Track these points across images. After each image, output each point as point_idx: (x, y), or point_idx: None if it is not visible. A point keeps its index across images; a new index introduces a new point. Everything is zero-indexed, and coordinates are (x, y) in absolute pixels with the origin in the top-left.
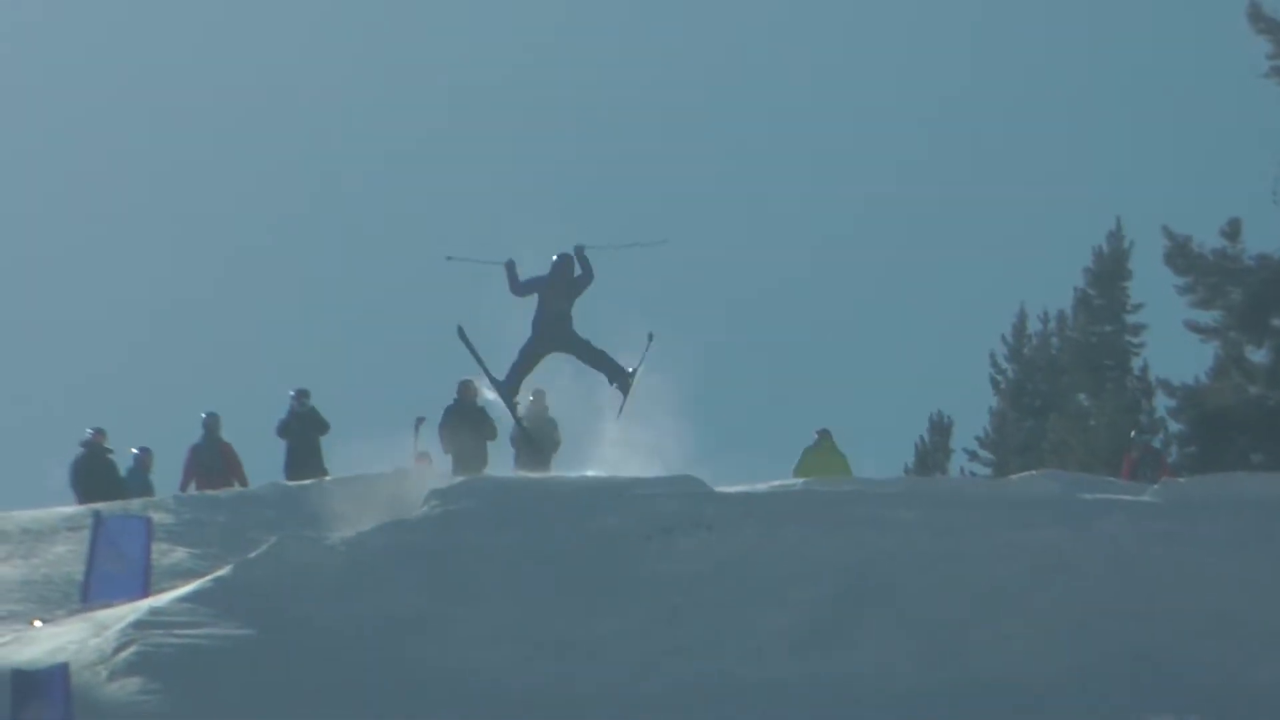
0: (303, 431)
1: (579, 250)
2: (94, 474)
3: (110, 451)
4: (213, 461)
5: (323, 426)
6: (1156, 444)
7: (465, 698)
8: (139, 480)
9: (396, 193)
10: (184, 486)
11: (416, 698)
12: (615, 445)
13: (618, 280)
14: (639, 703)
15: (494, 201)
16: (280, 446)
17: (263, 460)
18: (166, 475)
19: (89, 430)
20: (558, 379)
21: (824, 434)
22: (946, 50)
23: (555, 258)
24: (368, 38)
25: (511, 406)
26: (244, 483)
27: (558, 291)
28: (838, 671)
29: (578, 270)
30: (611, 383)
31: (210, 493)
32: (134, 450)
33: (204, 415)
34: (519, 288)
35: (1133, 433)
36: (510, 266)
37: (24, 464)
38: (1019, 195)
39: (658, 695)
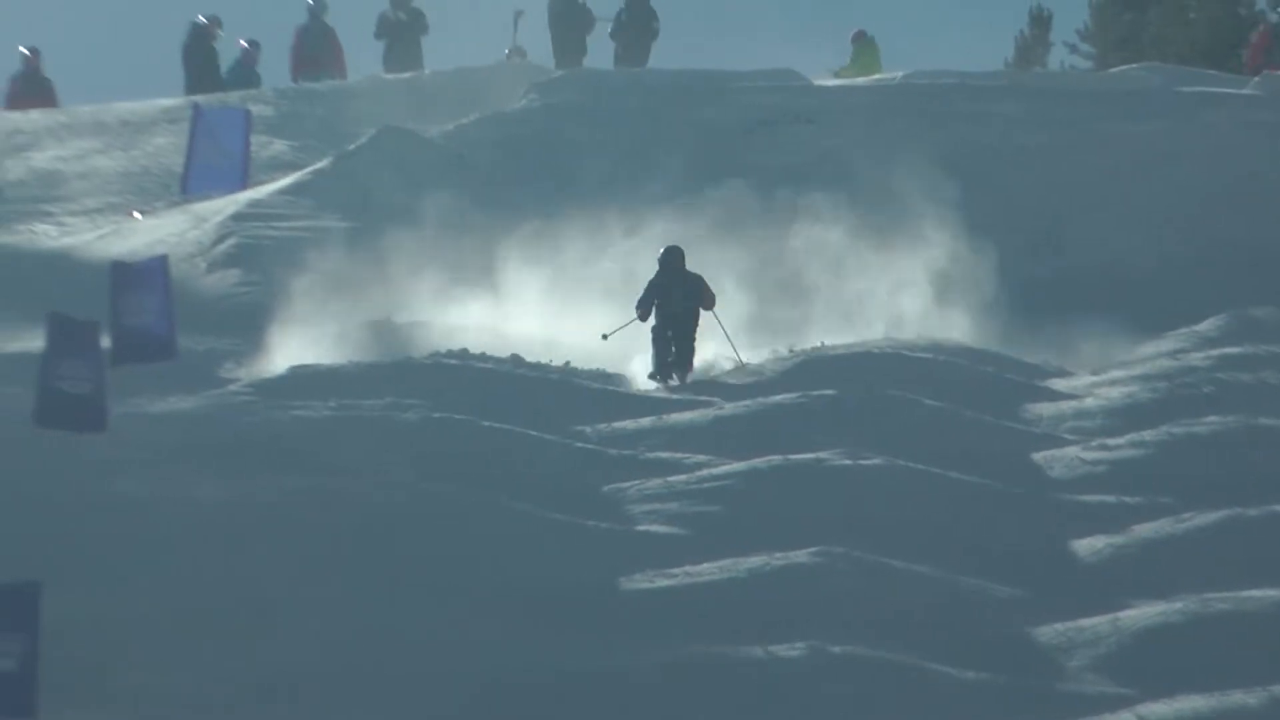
0: (401, 28)
1: None
2: (197, 59)
3: (216, 38)
4: (318, 45)
5: (422, 24)
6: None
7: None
8: (244, 74)
9: None
10: (295, 71)
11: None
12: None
13: None
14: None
15: None
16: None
17: (360, 54)
18: (275, 71)
19: (203, 17)
20: None
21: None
22: None
23: None
24: None
25: None
26: (343, 75)
27: None
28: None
29: None
30: None
31: (309, 85)
32: (243, 43)
33: (310, 0)
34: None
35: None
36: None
37: (126, 53)
38: None
39: (753, 266)
